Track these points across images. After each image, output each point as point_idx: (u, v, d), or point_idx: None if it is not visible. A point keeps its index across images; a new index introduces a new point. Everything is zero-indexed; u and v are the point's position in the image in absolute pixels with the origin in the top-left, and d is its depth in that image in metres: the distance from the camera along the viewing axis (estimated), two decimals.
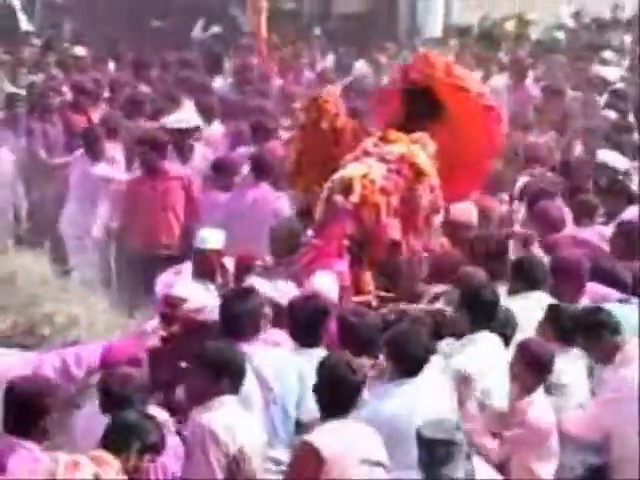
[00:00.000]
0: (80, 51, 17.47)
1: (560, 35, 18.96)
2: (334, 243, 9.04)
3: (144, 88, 15.68)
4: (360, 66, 16.97)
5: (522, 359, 7.78)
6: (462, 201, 10.12)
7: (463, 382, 7.67)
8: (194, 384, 7.31)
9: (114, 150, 13.03)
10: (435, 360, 7.79)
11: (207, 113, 13.89)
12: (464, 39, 18.79)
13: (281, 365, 7.84)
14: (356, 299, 8.92)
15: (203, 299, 8.68)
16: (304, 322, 7.98)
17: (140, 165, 12.22)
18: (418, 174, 9.27)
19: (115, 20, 19.83)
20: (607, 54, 18.02)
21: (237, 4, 19.95)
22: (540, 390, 7.81)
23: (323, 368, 7.24)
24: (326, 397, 7.17)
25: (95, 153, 12.82)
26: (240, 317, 7.82)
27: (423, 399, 7.25)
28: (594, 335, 8.02)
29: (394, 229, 9.16)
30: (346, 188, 9.13)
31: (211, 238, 9.61)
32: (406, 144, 9.44)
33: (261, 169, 11.59)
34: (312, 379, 7.24)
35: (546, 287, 8.72)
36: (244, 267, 9.40)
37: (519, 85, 16.46)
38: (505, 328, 8.20)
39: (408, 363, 7.38)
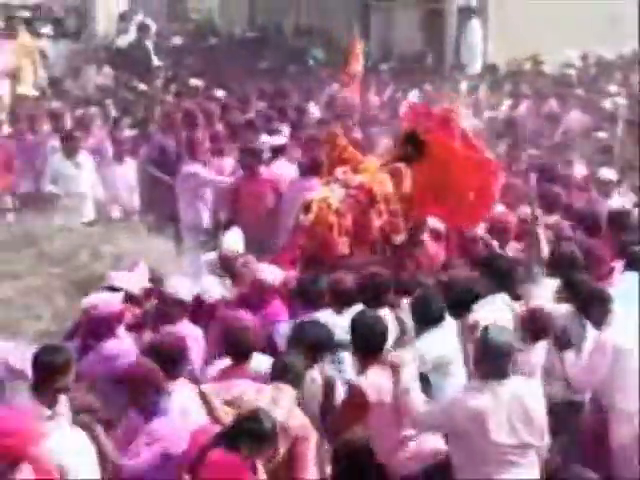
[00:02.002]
0: (196, 82, 17.50)
1: (570, 72, 18.82)
2: (288, 253, 9.09)
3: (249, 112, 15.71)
4: (412, 96, 17.04)
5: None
6: (465, 227, 9.71)
7: (469, 328, 7.54)
8: None
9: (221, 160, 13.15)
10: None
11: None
12: (496, 75, 18.75)
13: None
14: None
15: None
16: None
17: (242, 169, 12.42)
18: (372, 200, 9.06)
19: (227, 60, 19.72)
20: (611, 87, 17.85)
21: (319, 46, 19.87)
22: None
23: (358, 322, 7.22)
24: (361, 345, 7.14)
25: (197, 158, 12.88)
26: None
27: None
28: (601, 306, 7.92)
29: (343, 245, 8.96)
30: (306, 208, 9.06)
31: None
32: (371, 173, 9.31)
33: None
34: None
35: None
36: None
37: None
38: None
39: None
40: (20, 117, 14.88)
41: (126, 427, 6.70)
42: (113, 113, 15.53)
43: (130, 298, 8.24)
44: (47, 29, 19.57)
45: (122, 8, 22.07)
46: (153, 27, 21.08)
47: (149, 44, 20.25)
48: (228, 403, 6.57)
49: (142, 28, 20.78)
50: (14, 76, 17.76)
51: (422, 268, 9.27)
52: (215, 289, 8.50)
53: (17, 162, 14.02)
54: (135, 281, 8.43)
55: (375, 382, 6.89)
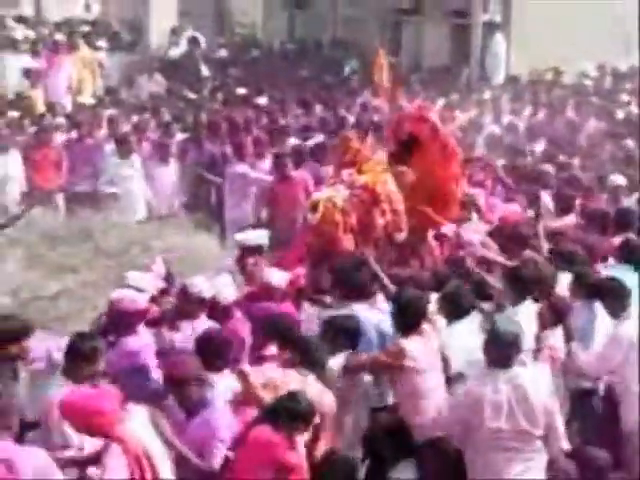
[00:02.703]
0: (240, 91, 17.50)
1: (587, 82, 18.75)
2: (296, 251, 8.94)
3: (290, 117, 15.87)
4: (439, 104, 16.97)
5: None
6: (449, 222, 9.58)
7: None
8: None
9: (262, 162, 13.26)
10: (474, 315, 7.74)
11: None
12: (518, 85, 18.69)
13: None
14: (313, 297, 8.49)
15: None
16: None
17: (276, 171, 12.53)
18: (375, 199, 8.92)
19: (268, 70, 19.72)
20: (624, 97, 17.77)
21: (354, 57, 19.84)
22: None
23: (399, 297, 7.29)
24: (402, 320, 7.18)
25: (243, 160, 13.11)
26: None
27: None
28: (616, 297, 7.82)
29: (348, 242, 8.80)
30: (314, 207, 8.91)
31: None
32: (374, 175, 9.13)
33: None
34: None
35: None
36: None
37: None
38: None
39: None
40: (79, 123, 15.03)
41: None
42: (165, 119, 15.60)
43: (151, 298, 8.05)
44: (104, 42, 19.66)
45: (173, 23, 22.18)
46: (202, 40, 21.23)
47: (198, 56, 20.40)
48: (262, 385, 6.55)
49: (192, 41, 20.92)
50: (75, 85, 17.97)
51: (425, 266, 9.18)
52: (228, 289, 8.15)
53: (76, 164, 14.06)
54: (149, 280, 8.22)
55: (414, 348, 6.96)
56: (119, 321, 7.48)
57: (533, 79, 18.79)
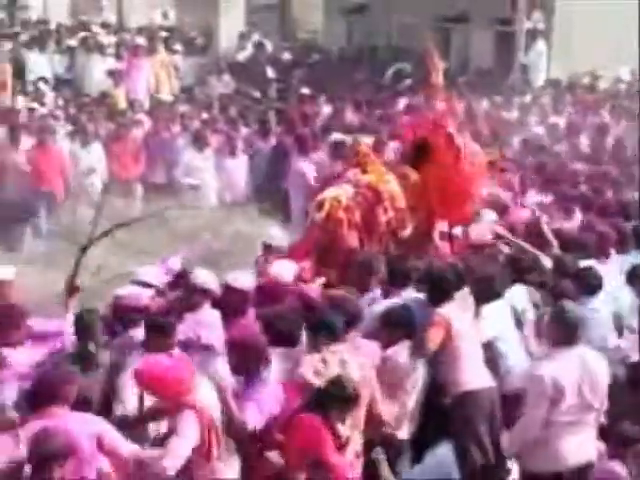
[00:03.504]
0: (303, 91, 17.45)
1: (621, 86, 18.51)
2: (304, 246, 8.67)
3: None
4: (485, 105, 16.91)
5: None
6: (459, 222, 9.26)
7: None
8: None
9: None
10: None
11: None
12: (557, 88, 18.46)
13: None
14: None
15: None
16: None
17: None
18: (378, 198, 8.68)
19: (328, 73, 19.65)
20: None
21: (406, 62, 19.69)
22: None
23: (429, 271, 7.31)
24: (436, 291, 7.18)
25: (304, 154, 13.10)
26: None
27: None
28: None
29: (352, 238, 8.56)
30: (319, 205, 8.66)
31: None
32: (379, 174, 8.91)
33: None
34: None
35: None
36: None
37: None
38: None
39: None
40: (156, 118, 15.12)
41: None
42: (232, 115, 15.68)
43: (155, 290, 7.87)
44: (180, 47, 19.75)
45: (241, 29, 22.25)
46: (267, 45, 21.26)
47: (263, 59, 20.42)
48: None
49: (258, 45, 20.94)
50: (153, 85, 18.08)
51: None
52: (244, 278, 7.74)
53: (152, 156, 14.24)
54: (157, 274, 8.05)
55: (449, 313, 7.00)
56: (123, 316, 7.23)
57: (572, 82, 18.59)
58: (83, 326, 6.69)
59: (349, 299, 7.27)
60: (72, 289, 7.25)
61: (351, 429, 6.21)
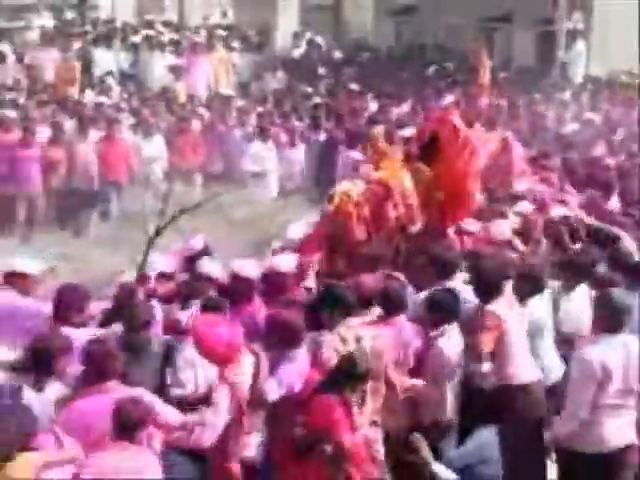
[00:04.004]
0: (354, 87, 17.42)
1: None
2: (315, 237, 8.49)
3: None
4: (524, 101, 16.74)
5: None
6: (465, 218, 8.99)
7: None
8: None
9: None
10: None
11: None
12: (596, 85, 18.29)
13: None
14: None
15: None
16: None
17: None
18: (388, 193, 8.49)
19: (377, 70, 19.63)
20: None
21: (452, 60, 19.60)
22: None
23: (480, 265, 7.04)
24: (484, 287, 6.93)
25: (353, 147, 13.16)
26: None
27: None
28: None
29: (360, 231, 8.38)
30: (330, 199, 8.56)
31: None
32: (391, 171, 8.72)
33: None
34: None
35: None
36: None
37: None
38: None
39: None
40: (214, 112, 15.24)
41: None
42: (285, 109, 15.76)
43: (164, 275, 7.85)
44: (237, 44, 19.86)
45: (296, 28, 22.29)
46: (320, 43, 21.29)
47: (315, 56, 20.53)
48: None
49: (310, 43, 20.99)
50: (212, 81, 18.21)
51: None
52: (249, 268, 7.61)
53: (210, 147, 14.42)
54: (168, 262, 7.99)
55: (498, 309, 6.80)
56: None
57: (611, 79, 18.42)
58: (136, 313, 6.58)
59: (394, 285, 7.17)
60: (142, 278, 7.36)
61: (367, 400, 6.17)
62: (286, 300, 7.13)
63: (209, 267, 7.59)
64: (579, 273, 7.67)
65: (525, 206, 9.53)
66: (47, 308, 6.60)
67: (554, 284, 7.67)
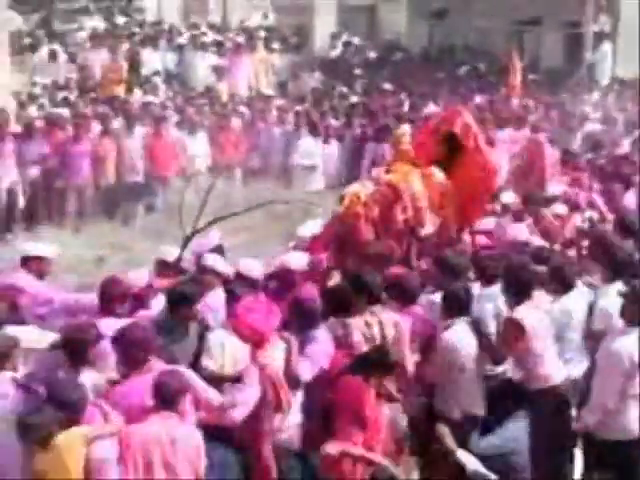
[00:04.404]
0: (387, 86, 17.61)
1: None
2: (324, 237, 8.42)
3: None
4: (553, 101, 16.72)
5: None
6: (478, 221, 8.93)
7: None
8: None
9: None
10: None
11: None
12: (622, 86, 18.18)
13: None
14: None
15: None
16: None
17: None
18: (397, 196, 8.34)
19: (410, 71, 19.64)
20: None
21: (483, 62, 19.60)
22: None
23: (507, 267, 6.91)
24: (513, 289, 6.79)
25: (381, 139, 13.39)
26: None
27: None
28: None
29: (368, 232, 8.23)
30: (340, 200, 8.47)
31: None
32: (401, 173, 8.54)
33: None
34: None
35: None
36: None
37: None
38: None
39: None
40: (255, 110, 15.35)
41: None
42: (322, 108, 15.84)
43: (169, 267, 7.73)
44: (277, 45, 19.95)
45: (333, 30, 22.34)
46: (355, 44, 21.32)
47: (351, 57, 20.56)
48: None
49: (346, 45, 21.04)
50: (252, 80, 18.32)
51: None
52: (254, 266, 7.68)
53: (251, 144, 14.52)
54: (174, 254, 7.82)
55: (527, 315, 6.66)
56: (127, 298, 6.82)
57: (638, 79, 18.29)
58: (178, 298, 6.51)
59: (408, 275, 7.22)
60: (178, 271, 7.42)
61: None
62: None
63: (213, 262, 7.53)
64: (618, 269, 7.32)
65: (560, 208, 9.45)
66: (60, 296, 6.83)
67: (589, 280, 7.57)
